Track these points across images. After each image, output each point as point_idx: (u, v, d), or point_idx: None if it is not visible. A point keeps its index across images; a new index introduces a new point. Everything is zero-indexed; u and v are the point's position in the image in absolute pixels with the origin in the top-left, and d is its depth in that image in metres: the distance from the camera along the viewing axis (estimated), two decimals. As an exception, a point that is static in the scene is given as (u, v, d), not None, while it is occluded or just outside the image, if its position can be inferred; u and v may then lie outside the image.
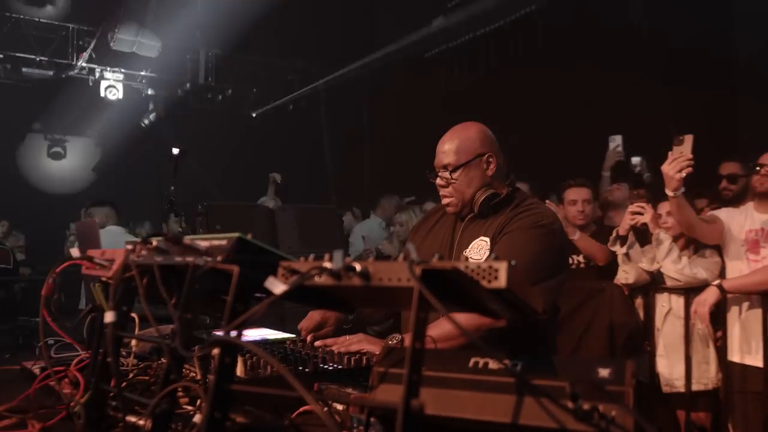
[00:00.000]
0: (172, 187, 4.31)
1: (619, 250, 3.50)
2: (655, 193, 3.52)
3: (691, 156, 2.95)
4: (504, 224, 1.98)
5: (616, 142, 4.75)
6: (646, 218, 3.34)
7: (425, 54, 8.22)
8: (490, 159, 2.03)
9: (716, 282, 3.20)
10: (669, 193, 3.06)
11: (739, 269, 3.30)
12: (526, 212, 1.99)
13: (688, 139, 2.97)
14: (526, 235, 1.93)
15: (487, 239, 1.98)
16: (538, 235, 1.93)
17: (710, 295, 3.17)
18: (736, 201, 3.70)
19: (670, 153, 3.00)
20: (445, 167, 2.03)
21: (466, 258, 1.99)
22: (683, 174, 2.97)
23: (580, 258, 3.99)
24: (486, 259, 1.84)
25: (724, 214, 3.42)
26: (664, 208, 3.50)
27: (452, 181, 2.02)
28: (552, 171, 5.67)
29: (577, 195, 3.99)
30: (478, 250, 1.98)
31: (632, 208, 3.39)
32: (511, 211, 2.00)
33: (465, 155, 2.01)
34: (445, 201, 2.08)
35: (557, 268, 1.95)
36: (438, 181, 2.06)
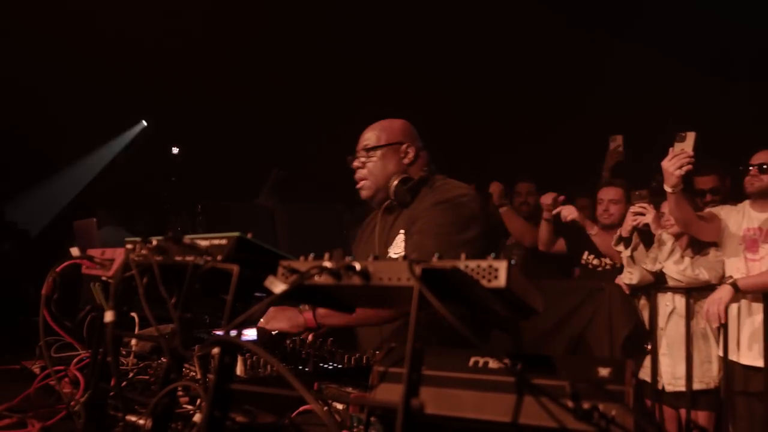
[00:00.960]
0: (172, 187, 4.31)
1: (624, 252, 3.50)
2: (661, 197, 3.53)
3: (692, 153, 2.95)
4: (414, 212, 2.01)
5: (616, 142, 4.75)
6: (648, 219, 3.34)
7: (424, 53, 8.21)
8: (409, 149, 2.09)
9: (731, 280, 3.19)
10: (668, 189, 3.06)
11: (737, 268, 3.31)
12: (433, 193, 2.03)
13: (690, 136, 2.96)
14: (429, 215, 1.96)
15: (404, 231, 2.01)
16: (441, 210, 1.95)
17: (725, 294, 3.16)
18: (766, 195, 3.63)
19: (671, 149, 3.00)
20: (363, 147, 2.10)
21: (389, 255, 2.00)
22: (683, 171, 2.97)
23: (607, 260, 3.98)
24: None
25: (722, 211, 3.42)
26: (666, 206, 3.50)
27: (368, 161, 2.08)
28: (551, 171, 5.68)
29: (604, 195, 4.01)
30: (400, 244, 2.01)
31: (634, 209, 3.39)
32: (423, 196, 2.03)
33: (384, 139, 2.08)
34: (359, 184, 2.12)
35: (470, 237, 1.91)
36: (355, 162, 2.11)
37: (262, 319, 1.92)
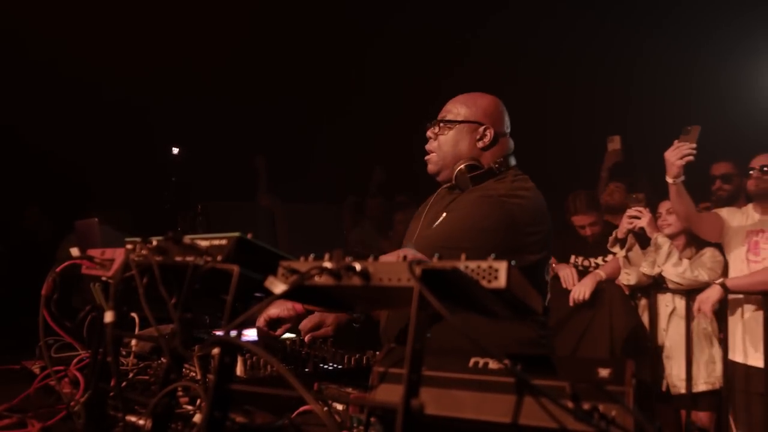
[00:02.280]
0: (172, 187, 4.31)
1: (619, 253, 3.51)
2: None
3: (694, 145, 2.98)
4: (461, 198, 1.89)
5: (614, 142, 4.75)
6: (644, 222, 3.34)
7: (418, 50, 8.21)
8: (487, 131, 1.91)
9: (719, 280, 3.22)
10: (669, 179, 3.08)
11: (740, 269, 3.31)
12: (489, 185, 1.86)
13: (695, 130, 3.01)
14: (467, 205, 1.83)
15: (446, 215, 1.88)
16: (478, 204, 1.80)
17: (713, 293, 3.19)
18: (731, 201, 3.72)
19: (676, 141, 3.03)
20: (441, 119, 1.96)
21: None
22: (684, 161, 3.00)
23: (597, 261, 3.99)
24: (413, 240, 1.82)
25: (725, 212, 3.43)
26: (664, 206, 3.51)
27: (440, 134, 1.94)
28: (551, 171, 5.68)
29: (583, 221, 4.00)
30: (439, 222, 1.88)
31: (630, 212, 3.40)
32: (486, 187, 1.86)
33: (463, 115, 1.93)
34: (427, 156, 1.99)
35: (498, 240, 1.71)
36: (429, 132, 1.98)
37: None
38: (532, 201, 1.85)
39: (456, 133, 1.92)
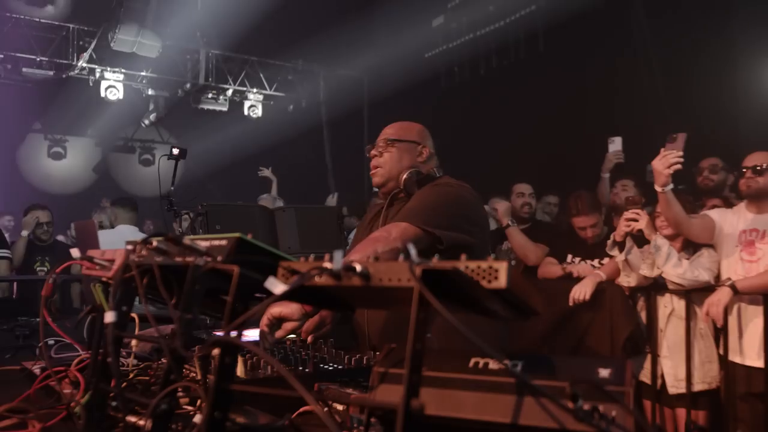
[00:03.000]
0: (172, 188, 4.31)
1: (619, 257, 3.51)
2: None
3: (681, 153, 2.99)
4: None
5: (615, 144, 4.74)
6: (641, 225, 3.34)
7: (425, 54, 8.22)
8: (423, 150, 2.26)
9: (729, 282, 3.20)
10: (657, 188, 3.09)
11: (734, 269, 3.31)
12: (434, 182, 2.17)
13: (681, 137, 3.02)
14: (424, 192, 2.12)
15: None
16: (431, 190, 2.11)
17: (724, 296, 3.16)
18: (716, 191, 3.97)
19: (662, 149, 3.04)
20: (384, 139, 2.26)
21: None
22: (671, 170, 3.01)
23: (593, 262, 3.98)
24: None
25: (716, 214, 3.44)
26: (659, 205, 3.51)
27: (386, 151, 2.24)
28: (552, 171, 5.68)
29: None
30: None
31: (627, 214, 3.39)
32: (426, 188, 2.15)
33: (404, 136, 2.27)
34: (373, 171, 2.27)
35: (465, 217, 2.05)
36: (373, 151, 2.27)
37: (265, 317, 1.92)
38: (469, 191, 2.17)
39: (398, 151, 2.24)
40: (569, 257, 4.08)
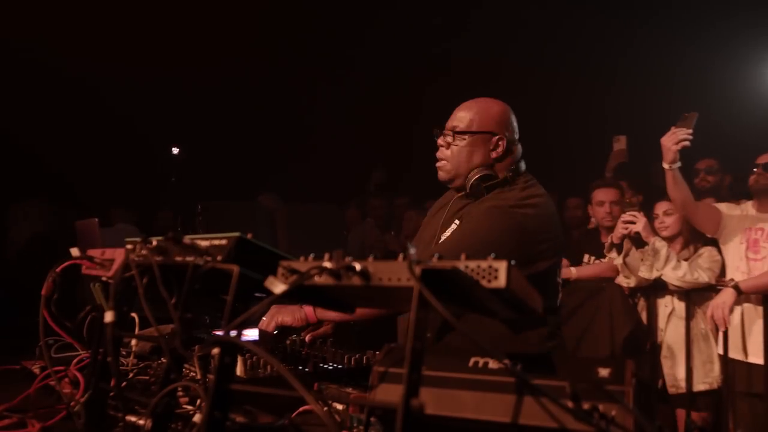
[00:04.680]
0: (172, 187, 4.30)
1: (617, 259, 3.50)
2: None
3: (691, 130, 3.00)
4: (473, 208, 1.89)
5: (620, 143, 4.73)
6: (639, 227, 3.33)
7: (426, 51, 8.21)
8: (500, 142, 1.90)
9: (732, 283, 3.18)
10: (665, 165, 3.09)
11: (737, 267, 3.30)
12: (500, 196, 1.87)
13: (692, 117, 3.03)
14: (478, 216, 1.83)
15: (458, 223, 1.90)
16: (489, 215, 1.81)
17: (728, 297, 3.14)
18: (713, 193, 3.94)
19: (673, 127, 3.05)
20: (453, 128, 1.92)
21: (438, 239, 1.91)
22: (680, 146, 3.01)
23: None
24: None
25: (723, 206, 3.43)
26: (661, 208, 3.50)
27: (453, 144, 1.91)
28: (554, 171, 5.67)
29: (605, 196, 3.91)
30: (451, 231, 1.90)
31: (624, 217, 3.38)
32: (496, 194, 1.87)
33: (476, 126, 1.90)
34: (438, 164, 1.97)
35: (510, 251, 1.57)
36: (440, 140, 1.95)
37: (264, 318, 1.92)
38: (542, 208, 1.86)
39: (469, 144, 1.90)
40: (586, 257, 4.05)
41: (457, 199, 1.99)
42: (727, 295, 3.15)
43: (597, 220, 3.95)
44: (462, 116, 1.93)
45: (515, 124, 1.99)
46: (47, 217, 5.33)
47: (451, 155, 1.92)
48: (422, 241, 2.03)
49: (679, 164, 3.08)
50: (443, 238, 1.91)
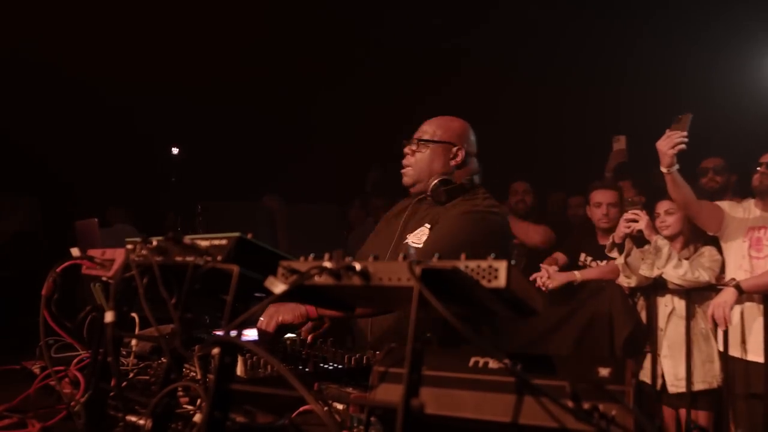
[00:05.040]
0: (172, 188, 4.30)
1: (618, 259, 3.50)
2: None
3: (686, 133, 2.98)
4: (443, 213, 2.07)
5: (620, 142, 4.72)
6: (641, 225, 3.33)
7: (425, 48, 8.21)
8: (459, 152, 2.15)
9: (734, 283, 3.18)
10: (663, 169, 3.08)
11: (740, 265, 3.30)
12: (467, 202, 2.08)
13: (686, 118, 3.01)
14: (454, 219, 2.02)
15: (429, 227, 2.07)
16: (466, 219, 2.01)
17: (729, 297, 3.13)
18: (720, 194, 3.88)
19: (668, 130, 3.03)
20: (417, 138, 2.16)
21: (406, 242, 2.09)
22: (676, 150, 3.00)
23: (604, 262, 3.94)
24: (418, 250, 1.97)
25: (726, 205, 3.42)
26: (662, 207, 3.50)
27: (417, 151, 2.15)
28: (554, 171, 5.68)
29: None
30: (420, 235, 2.07)
31: (627, 215, 3.38)
32: (459, 202, 2.09)
33: (438, 136, 2.15)
34: (403, 170, 2.19)
35: (487, 251, 1.86)
36: (406, 149, 2.18)
37: (262, 317, 1.93)
38: (504, 218, 2.14)
39: (431, 152, 2.14)
40: (582, 256, 4.05)
41: (416, 203, 2.20)
42: (728, 294, 3.14)
43: (594, 221, 3.95)
44: (426, 129, 2.18)
45: (474, 140, 2.23)
46: (36, 214, 5.34)
47: (415, 162, 2.16)
48: (377, 246, 2.20)
49: (677, 167, 3.06)
50: (409, 239, 2.08)
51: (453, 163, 2.14)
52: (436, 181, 2.11)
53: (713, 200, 3.70)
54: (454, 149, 2.14)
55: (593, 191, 3.96)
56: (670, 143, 2.99)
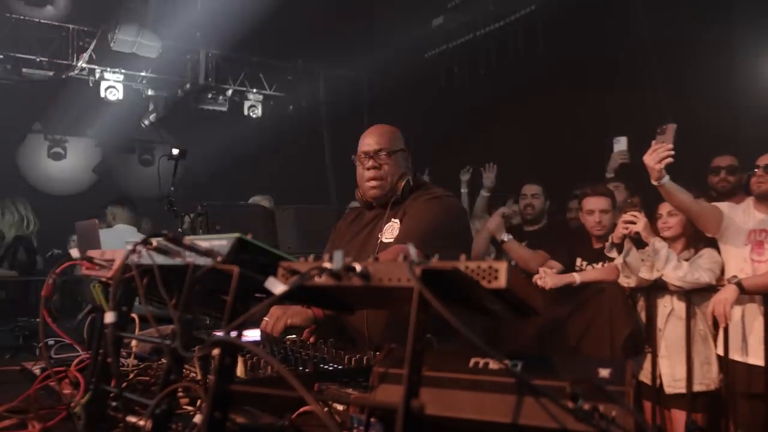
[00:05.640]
0: (172, 188, 4.30)
1: (617, 259, 3.50)
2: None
3: (671, 145, 2.95)
4: (407, 207, 2.26)
5: (620, 143, 4.71)
6: (639, 227, 3.32)
7: (425, 54, 8.22)
8: (409, 155, 2.37)
9: (735, 280, 3.17)
10: (654, 183, 3.07)
11: (741, 268, 3.29)
12: (426, 193, 2.29)
13: (670, 129, 2.98)
14: (422, 206, 2.23)
15: (398, 221, 2.24)
16: (433, 204, 2.23)
17: (730, 294, 3.11)
18: (732, 194, 3.76)
19: (653, 142, 3.01)
20: (378, 151, 2.29)
21: (381, 241, 2.22)
22: (663, 164, 2.98)
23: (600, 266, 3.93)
24: (395, 238, 2.15)
25: (725, 207, 3.41)
26: (664, 208, 3.50)
27: (386, 163, 2.28)
28: (554, 171, 5.67)
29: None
30: (391, 231, 2.23)
31: (625, 217, 3.37)
32: (417, 195, 2.29)
33: (396, 145, 2.32)
34: (373, 183, 2.30)
35: (458, 233, 2.22)
36: (372, 163, 2.29)
37: (267, 318, 1.93)
38: (457, 204, 2.38)
39: (395, 161, 2.30)
40: (578, 261, 4.04)
41: (379, 209, 2.33)
42: (729, 291, 3.13)
43: (587, 228, 3.95)
44: (380, 140, 2.31)
45: None
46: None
47: (384, 173, 2.29)
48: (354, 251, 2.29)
49: (667, 178, 3.04)
50: (384, 236, 2.22)
51: (408, 164, 2.35)
52: (404, 182, 2.28)
53: (722, 200, 3.64)
54: (406, 153, 2.35)
55: (585, 198, 3.94)
56: (656, 157, 2.96)
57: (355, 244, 2.33)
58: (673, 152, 2.96)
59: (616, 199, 4.06)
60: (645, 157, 3.01)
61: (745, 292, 3.15)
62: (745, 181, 3.90)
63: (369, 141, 2.33)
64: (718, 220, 3.34)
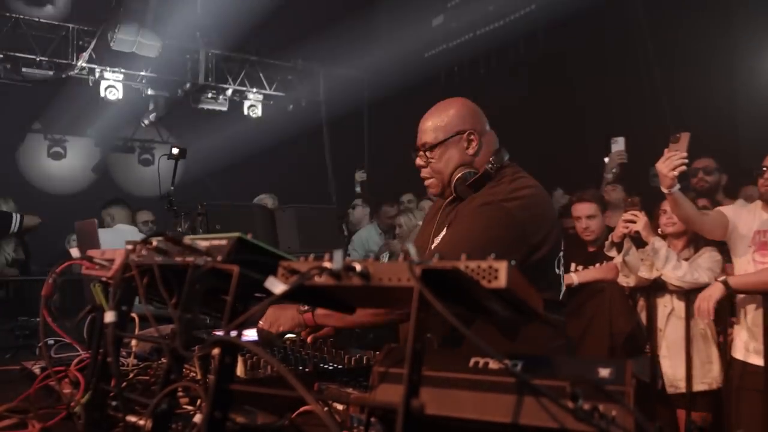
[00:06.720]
0: (172, 187, 4.30)
1: (617, 258, 3.50)
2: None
3: (685, 154, 2.94)
4: (461, 209, 1.89)
5: (618, 144, 4.72)
6: (639, 226, 3.32)
7: (425, 54, 8.22)
8: (472, 137, 1.91)
9: (722, 278, 3.18)
10: (664, 190, 3.06)
11: (745, 270, 3.29)
12: (491, 189, 1.86)
13: (685, 137, 2.97)
14: (469, 214, 1.83)
15: (449, 225, 1.90)
16: (480, 212, 1.80)
17: (715, 291, 3.13)
18: (711, 193, 4.03)
19: (666, 150, 3.01)
20: (423, 146, 1.95)
21: (433, 245, 1.91)
22: (677, 172, 2.97)
23: None
24: (435, 248, 1.85)
25: (730, 211, 3.40)
26: (668, 205, 3.50)
27: (430, 160, 1.94)
28: (554, 171, 5.68)
29: (580, 211, 3.92)
30: (443, 235, 1.91)
31: (625, 216, 3.38)
32: (486, 190, 1.87)
33: (443, 133, 1.92)
34: (425, 183, 2.01)
35: (504, 246, 1.71)
36: (417, 161, 1.98)
37: (261, 321, 1.93)
38: (531, 199, 1.83)
39: (443, 152, 1.92)
40: (573, 266, 4.04)
41: (447, 204, 2.01)
42: (714, 288, 3.15)
43: (578, 232, 3.98)
44: (427, 129, 1.95)
45: (482, 115, 1.99)
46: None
47: (432, 171, 1.96)
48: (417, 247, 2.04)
49: (678, 186, 3.03)
50: (437, 242, 1.90)
51: (470, 151, 1.91)
52: (457, 178, 1.90)
53: (703, 198, 3.74)
54: (464, 136, 1.91)
55: (573, 204, 3.99)
56: (670, 165, 2.95)
57: (422, 236, 2.06)
58: (687, 161, 2.95)
59: (616, 199, 4.07)
60: (658, 164, 3.00)
61: (731, 291, 3.16)
62: (724, 182, 4.15)
63: (419, 131, 1.98)
64: (724, 225, 3.34)
